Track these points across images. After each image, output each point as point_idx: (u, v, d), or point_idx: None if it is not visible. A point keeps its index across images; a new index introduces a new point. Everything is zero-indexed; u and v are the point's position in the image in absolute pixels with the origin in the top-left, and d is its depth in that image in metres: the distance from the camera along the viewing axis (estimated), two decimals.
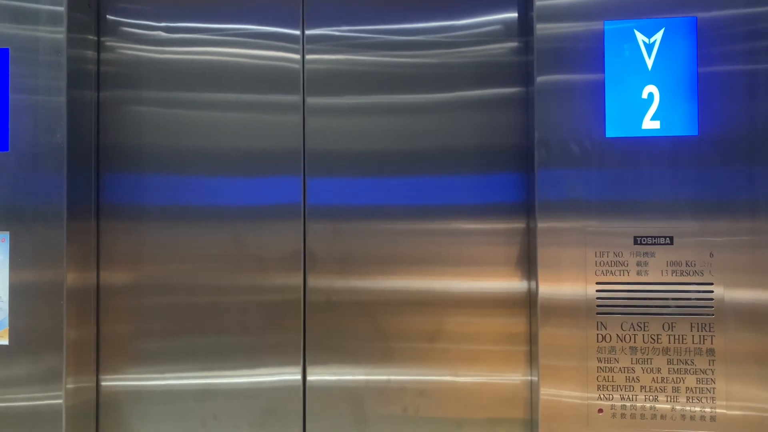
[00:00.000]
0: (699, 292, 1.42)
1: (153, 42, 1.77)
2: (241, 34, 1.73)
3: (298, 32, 1.71)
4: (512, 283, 1.64)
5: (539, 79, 1.49)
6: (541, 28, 1.50)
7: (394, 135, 1.68)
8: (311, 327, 1.69)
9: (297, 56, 1.71)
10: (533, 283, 1.53)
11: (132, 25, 1.78)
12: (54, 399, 1.59)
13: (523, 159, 1.62)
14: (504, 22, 1.67)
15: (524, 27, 1.63)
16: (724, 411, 1.42)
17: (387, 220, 1.68)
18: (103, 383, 1.76)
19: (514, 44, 1.65)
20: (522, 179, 1.62)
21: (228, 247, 1.72)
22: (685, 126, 1.44)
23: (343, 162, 1.70)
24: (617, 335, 1.44)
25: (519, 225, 1.63)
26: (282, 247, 1.70)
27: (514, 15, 1.66)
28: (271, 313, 1.71)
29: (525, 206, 1.62)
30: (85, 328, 1.71)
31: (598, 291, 1.45)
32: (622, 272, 1.44)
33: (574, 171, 1.47)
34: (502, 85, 1.65)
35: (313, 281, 1.69)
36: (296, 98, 1.71)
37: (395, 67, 1.69)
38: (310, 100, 1.70)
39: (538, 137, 1.49)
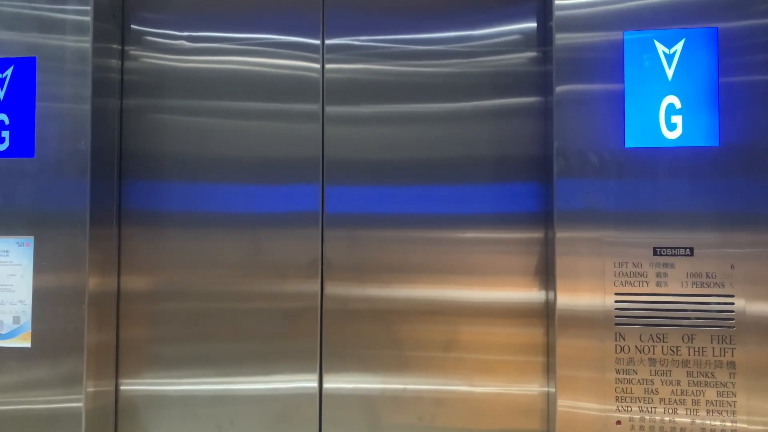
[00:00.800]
0: (719, 304, 1.41)
1: (176, 51, 1.80)
2: (262, 44, 1.76)
3: (318, 42, 1.73)
4: (530, 293, 1.63)
5: (558, 89, 1.49)
6: (560, 38, 1.50)
7: (412, 144, 1.69)
8: (328, 335, 1.69)
9: (317, 65, 1.73)
10: (551, 293, 1.53)
11: (155, 34, 1.81)
12: (74, 402, 1.61)
13: (541, 168, 1.62)
14: (523, 32, 1.67)
15: (543, 37, 1.64)
16: (745, 426, 1.40)
17: (405, 228, 1.68)
18: (122, 387, 1.78)
19: (533, 54, 1.66)
20: (540, 189, 1.62)
21: (246, 254, 1.74)
22: (705, 137, 1.43)
23: (361, 170, 1.71)
24: (636, 347, 1.43)
25: (537, 235, 1.63)
26: (300, 254, 1.71)
27: (533, 25, 1.66)
28: (288, 320, 1.72)
29: (543, 216, 1.62)
30: (105, 332, 1.73)
31: (617, 302, 1.44)
32: (641, 283, 1.43)
33: (593, 181, 1.46)
34: (521, 95, 1.66)
35: (331, 289, 1.70)
36: (316, 107, 1.72)
37: (414, 77, 1.70)
38: (329, 109, 1.71)
39: (557, 147, 1.49)
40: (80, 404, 1.61)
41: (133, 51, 1.81)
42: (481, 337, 1.65)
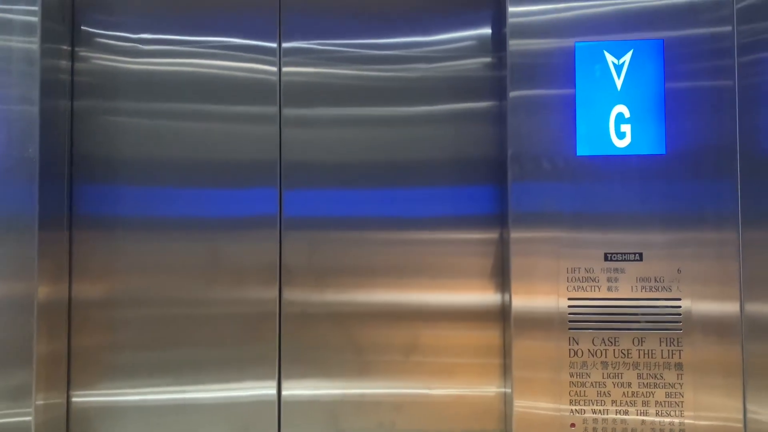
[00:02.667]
0: (667, 307, 1.45)
1: (129, 53, 1.76)
2: (218, 47, 1.73)
3: (275, 45, 1.72)
4: (487, 295, 1.66)
5: (512, 94, 1.52)
6: (514, 44, 1.52)
7: (370, 146, 1.70)
8: (287, 340, 1.68)
9: (274, 68, 1.72)
10: (506, 296, 1.55)
11: (107, 36, 1.77)
12: (23, 416, 1.57)
13: (498, 171, 1.64)
14: (478, 38, 1.69)
15: (498, 43, 1.66)
16: (692, 422, 1.45)
17: (362, 231, 1.68)
18: (74, 399, 1.74)
19: (488, 59, 1.68)
20: (497, 191, 1.64)
21: (203, 259, 1.72)
22: (653, 145, 1.47)
23: (319, 173, 1.70)
24: (589, 350, 1.47)
25: (493, 236, 1.65)
26: (258, 258, 1.70)
27: (488, 31, 1.68)
28: (246, 325, 1.70)
29: (500, 218, 1.64)
30: (56, 342, 1.68)
31: (570, 306, 1.48)
32: (593, 288, 1.47)
33: (546, 186, 1.49)
34: (477, 99, 1.68)
35: (289, 294, 1.69)
36: (273, 109, 1.71)
37: (371, 80, 1.71)
38: (286, 112, 1.70)
39: (511, 152, 1.51)
40: (29, 418, 1.57)
41: (84, 52, 1.77)
42: (440, 340, 1.66)
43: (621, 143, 1.47)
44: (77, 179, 1.74)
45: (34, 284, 1.57)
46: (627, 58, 1.48)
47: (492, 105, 1.66)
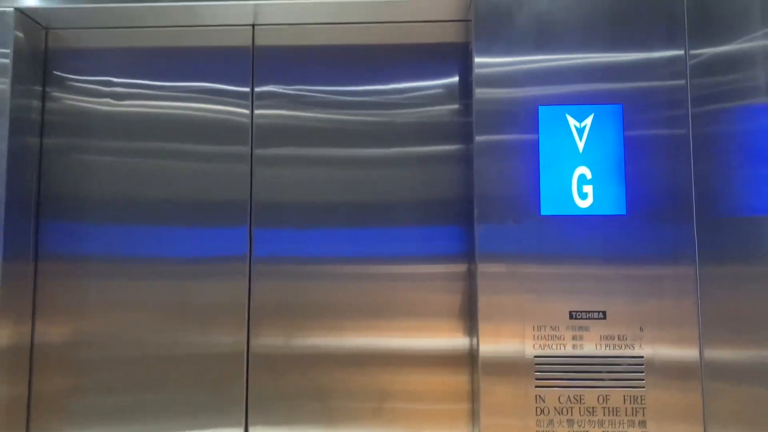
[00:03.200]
0: (631, 365, 1.47)
1: (100, 95, 1.77)
2: (191, 91, 1.75)
3: (248, 89, 1.74)
4: (455, 339, 1.66)
5: (478, 138, 1.55)
6: (480, 92, 1.56)
7: (340, 187, 1.71)
8: (254, 385, 1.66)
9: (246, 111, 1.74)
10: (474, 340, 1.56)
11: (79, 80, 1.78)
12: None
13: (465, 212, 1.66)
14: (446, 86, 1.73)
15: (465, 91, 1.71)
16: None
17: (332, 271, 1.68)
18: None
19: (455, 106, 1.72)
20: (464, 231, 1.66)
21: (170, 300, 1.70)
22: (614, 205, 1.51)
23: (289, 213, 1.71)
24: (555, 408, 1.47)
25: (462, 276, 1.66)
26: (226, 299, 1.69)
27: (456, 80, 1.73)
28: (213, 369, 1.68)
29: (468, 258, 1.66)
30: (16, 386, 1.64)
31: (536, 363, 1.49)
32: (559, 345, 1.48)
33: (511, 240, 1.51)
34: (445, 143, 1.71)
35: (257, 337, 1.67)
36: (244, 149, 1.72)
37: (341, 124, 1.73)
38: (258, 152, 1.72)
39: (477, 194, 1.54)
40: None
41: (56, 93, 1.78)
42: (409, 385, 1.66)
43: (583, 203, 1.51)
44: (44, 216, 1.73)
45: None
46: (588, 121, 1.53)
47: (459, 148, 1.70)
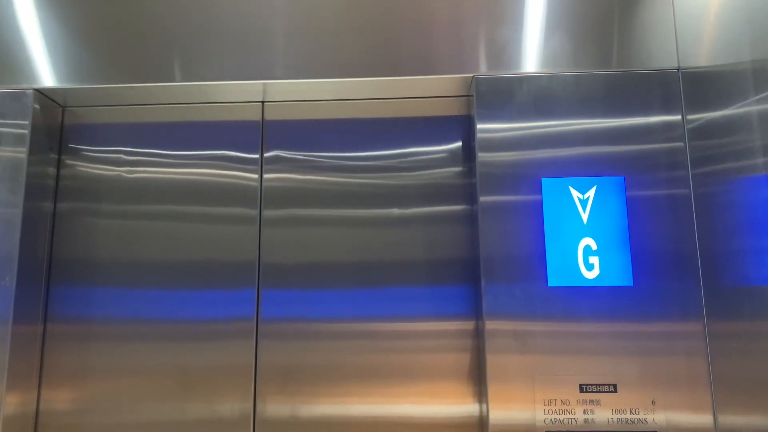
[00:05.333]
0: None
1: (114, 163, 1.81)
2: (201, 158, 1.80)
3: (257, 156, 1.79)
4: (464, 406, 1.62)
5: (482, 198, 1.57)
6: (483, 156, 1.59)
7: (348, 248, 1.72)
8: None
9: (255, 176, 1.77)
10: (484, 407, 1.53)
11: (93, 150, 1.83)
12: None
13: (472, 272, 1.67)
14: (450, 151, 1.77)
15: (468, 154, 1.75)
16: None
17: (340, 332, 1.67)
18: None
19: (459, 168, 1.75)
20: (472, 291, 1.66)
21: (177, 364, 1.68)
22: (620, 277, 1.52)
23: (297, 274, 1.71)
24: None
25: (470, 339, 1.65)
26: (233, 363, 1.67)
27: (459, 144, 1.77)
28: None
29: (476, 319, 1.64)
30: None
31: None
32: (570, 421, 1.45)
33: (519, 310, 1.51)
34: (450, 203, 1.73)
35: (263, 402, 1.64)
36: (253, 212, 1.75)
37: (349, 186, 1.76)
38: (266, 213, 1.74)
39: (483, 255, 1.54)
40: None
41: (70, 160, 1.83)
42: None
43: (590, 275, 1.52)
44: (54, 279, 1.74)
45: (2, 393, 1.53)
46: (591, 193, 1.55)
47: (465, 209, 1.72)
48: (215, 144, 1.80)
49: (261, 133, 1.80)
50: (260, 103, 1.82)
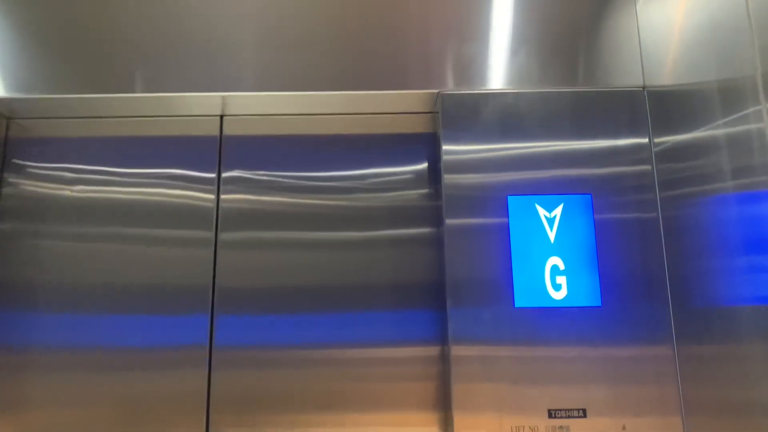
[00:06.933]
0: None
1: (60, 180, 1.71)
2: (155, 177, 1.72)
3: (213, 175, 1.71)
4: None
5: (448, 221, 1.52)
6: (448, 178, 1.55)
7: (308, 271, 1.65)
8: None
9: (212, 196, 1.70)
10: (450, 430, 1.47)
11: (39, 167, 1.73)
12: None
13: (438, 297, 1.62)
14: (415, 172, 1.73)
15: (434, 176, 1.71)
16: None
17: (298, 359, 1.59)
18: None
19: (425, 190, 1.71)
20: (438, 317, 1.60)
21: (126, 393, 1.58)
22: (589, 297, 1.48)
23: (254, 298, 1.63)
24: None
25: (436, 369, 1.59)
26: (185, 392, 1.57)
27: (425, 166, 1.72)
28: None
29: (441, 344, 1.59)
30: None
31: None
32: None
33: (485, 330, 1.46)
34: (415, 226, 1.68)
35: (218, 429, 1.55)
36: (209, 234, 1.67)
37: (309, 208, 1.70)
38: (223, 236, 1.66)
39: (449, 279, 1.50)
40: None
41: (13, 179, 1.72)
42: None
43: (558, 295, 1.48)
44: None
45: None
46: (558, 211, 1.53)
47: (431, 232, 1.67)
48: (170, 162, 1.72)
49: (218, 150, 1.73)
50: (219, 117, 1.76)
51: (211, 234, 1.68)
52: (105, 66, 1.66)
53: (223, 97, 1.65)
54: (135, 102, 1.68)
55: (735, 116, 1.19)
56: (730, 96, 1.22)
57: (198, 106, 1.71)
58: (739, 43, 1.18)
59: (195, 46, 1.67)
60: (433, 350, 1.60)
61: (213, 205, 1.70)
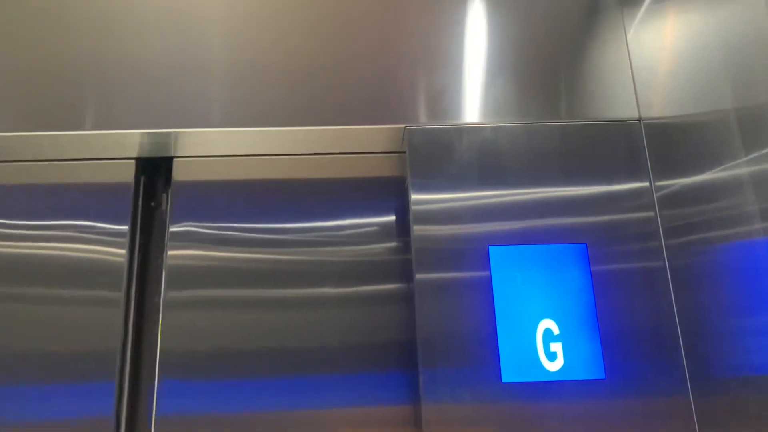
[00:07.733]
0: None
1: None
2: (69, 229, 1.50)
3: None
4: None
5: (418, 276, 1.33)
6: (418, 229, 1.35)
7: (264, 332, 1.44)
8: None
9: (123, 251, 1.47)
10: None
11: None
12: None
13: (409, 357, 1.41)
14: (383, 224, 1.53)
15: (403, 228, 1.52)
16: None
17: (252, 426, 1.35)
18: None
19: (393, 244, 1.51)
20: (410, 378, 1.39)
21: None
22: (590, 367, 1.25)
23: (203, 362, 1.40)
24: None
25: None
26: None
27: (393, 218, 1.53)
28: None
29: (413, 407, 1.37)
30: None
31: None
32: None
33: (465, 425, 1.22)
34: (383, 282, 1.49)
35: None
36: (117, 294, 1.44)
37: (266, 263, 1.49)
38: (169, 295, 1.44)
39: (420, 338, 1.30)
40: None
41: None
42: None
43: (552, 366, 1.24)
44: None
45: None
46: (550, 264, 1.31)
47: (401, 288, 1.47)
48: (83, 213, 1.50)
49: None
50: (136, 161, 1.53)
51: (120, 294, 1.44)
52: (21, 100, 1.44)
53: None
54: (53, 141, 1.47)
55: (763, 152, 1.00)
56: (751, 127, 1.02)
57: (114, 148, 1.50)
58: (764, 65, 0.99)
59: (136, 81, 1.48)
60: (405, 412, 1.36)
61: (125, 260, 1.46)
